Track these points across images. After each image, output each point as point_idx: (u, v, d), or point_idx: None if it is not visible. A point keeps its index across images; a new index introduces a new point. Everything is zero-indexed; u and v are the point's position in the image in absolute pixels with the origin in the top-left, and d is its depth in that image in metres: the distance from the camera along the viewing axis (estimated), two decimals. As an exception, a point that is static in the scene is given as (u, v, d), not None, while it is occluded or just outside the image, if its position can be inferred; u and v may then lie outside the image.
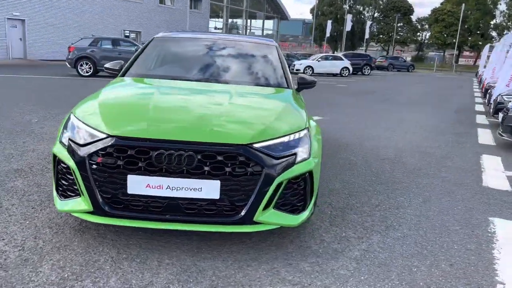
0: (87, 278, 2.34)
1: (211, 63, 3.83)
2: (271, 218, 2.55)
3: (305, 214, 2.72)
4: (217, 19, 44.87)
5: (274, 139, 2.60)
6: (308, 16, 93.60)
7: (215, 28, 44.90)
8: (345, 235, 3.13)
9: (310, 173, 2.69)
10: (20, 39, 24.67)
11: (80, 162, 2.42)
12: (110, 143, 2.41)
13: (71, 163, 2.46)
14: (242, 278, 2.44)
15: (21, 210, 3.19)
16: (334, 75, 27.88)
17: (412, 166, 5.36)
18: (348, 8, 62.56)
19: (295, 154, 2.62)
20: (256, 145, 2.50)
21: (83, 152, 2.45)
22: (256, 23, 51.52)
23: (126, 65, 3.80)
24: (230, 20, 46.39)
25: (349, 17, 52.30)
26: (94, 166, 2.39)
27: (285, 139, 2.64)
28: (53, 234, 2.83)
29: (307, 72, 26.16)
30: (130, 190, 2.41)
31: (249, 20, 48.70)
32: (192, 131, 2.50)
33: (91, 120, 2.58)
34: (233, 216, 2.48)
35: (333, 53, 48.64)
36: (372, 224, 3.39)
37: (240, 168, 2.44)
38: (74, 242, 2.72)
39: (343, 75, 27.87)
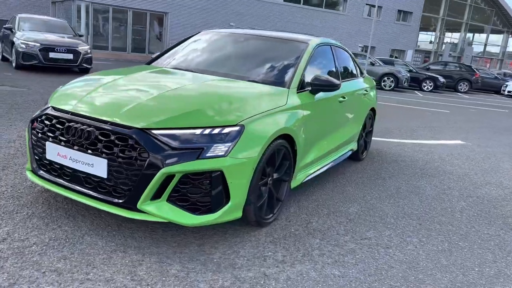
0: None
1: (222, 57, 3.87)
2: (160, 210, 2.46)
3: (210, 217, 2.53)
4: (428, 32, 41.88)
5: (179, 129, 2.49)
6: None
7: (430, 42, 41.97)
8: None
9: (221, 172, 2.46)
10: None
11: (28, 127, 2.84)
12: (44, 112, 2.75)
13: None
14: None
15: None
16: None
17: None
18: None
19: (201, 148, 2.44)
20: (154, 131, 2.45)
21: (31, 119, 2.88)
22: (479, 37, 45.93)
23: (158, 54, 4.12)
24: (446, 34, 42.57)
25: None
26: (32, 131, 2.75)
27: (197, 131, 2.50)
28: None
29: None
30: (48, 156, 2.69)
31: (469, 34, 43.75)
32: (104, 110, 2.61)
33: (53, 94, 2.99)
34: (118, 198, 2.49)
35: None
36: None
37: (128, 151, 2.43)
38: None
39: None
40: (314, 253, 2.75)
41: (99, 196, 2.57)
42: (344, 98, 4.19)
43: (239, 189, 2.64)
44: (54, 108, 2.81)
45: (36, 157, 2.84)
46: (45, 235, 2.55)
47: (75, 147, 2.59)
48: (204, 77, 3.42)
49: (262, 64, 3.70)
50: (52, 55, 10.61)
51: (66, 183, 2.69)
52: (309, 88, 3.53)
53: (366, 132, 5.46)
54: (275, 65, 3.66)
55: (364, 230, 3.21)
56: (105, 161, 2.49)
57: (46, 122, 2.77)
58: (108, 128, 2.52)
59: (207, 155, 2.50)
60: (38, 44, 10.50)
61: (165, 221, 2.50)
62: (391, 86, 18.87)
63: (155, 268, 2.35)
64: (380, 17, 33.40)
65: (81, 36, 12.65)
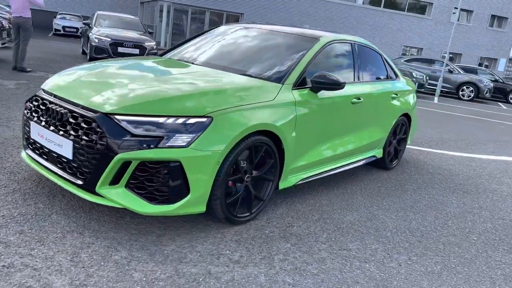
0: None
1: (227, 51, 3.80)
2: (118, 196, 2.47)
3: (168, 207, 2.50)
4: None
5: (142, 116, 2.48)
6: None
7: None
8: None
9: (180, 163, 2.43)
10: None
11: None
12: (35, 93, 2.91)
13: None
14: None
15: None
16: None
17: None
18: None
19: (161, 137, 2.42)
20: (118, 117, 2.47)
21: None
22: None
23: (173, 47, 4.19)
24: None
25: None
26: (24, 111, 2.92)
27: (160, 119, 2.48)
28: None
29: None
30: (31, 135, 2.84)
31: None
32: (80, 94, 2.68)
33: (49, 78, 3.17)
34: (80, 180, 2.55)
35: None
36: None
37: (91, 134, 2.48)
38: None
39: None
40: (276, 257, 2.58)
41: (65, 176, 2.64)
42: (359, 99, 3.91)
43: (200, 183, 2.56)
44: (43, 90, 2.95)
45: (26, 136, 3.00)
46: (16, 210, 2.68)
47: (51, 128, 2.69)
48: (198, 68, 3.39)
49: (265, 59, 3.58)
50: (120, 49, 11.28)
51: (44, 162, 2.81)
52: (310, 86, 3.34)
53: (398, 140, 5.07)
54: (277, 60, 3.52)
55: (348, 240, 2.96)
56: (71, 143, 2.56)
57: (34, 103, 2.92)
58: (77, 111, 2.58)
59: (167, 144, 2.46)
60: (109, 39, 11.22)
61: (121, 207, 2.50)
62: (470, 96, 17.46)
63: (101, 252, 2.35)
64: (470, 22, 31.09)
65: (150, 33, 13.31)
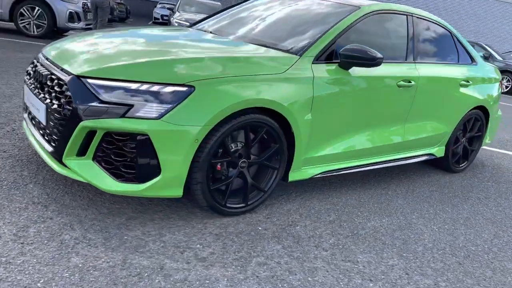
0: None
1: (253, 21, 3.35)
2: (83, 169, 2.22)
3: (136, 187, 2.19)
4: None
5: (115, 81, 2.19)
6: None
7: None
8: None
9: (149, 138, 2.11)
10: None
11: None
12: (34, 58, 2.78)
13: None
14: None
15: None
16: None
17: None
18: None
19: (131, 105, 2.12)
20: (89, 80, 2.21)
21: None
22: None
23: (203, 18, 3.87)
24: None
25: None
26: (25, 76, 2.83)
27: (133, 85, 2.17)
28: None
29: None
30: (24, 99, 2.71)
31: None
32: (65, 57, 2.47)
33: None
34: (51, 147, 2.34)
35: None
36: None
37: (61, 98, 2.26)
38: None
39: None
40: (255, 260, 2.13)
41: (41, 142, 2.45)
42: (409, 82, 3.23)
43: (173, 162, 2.19)
44: (42, 54, 2.80)
45: (24, 101, 2.89)
46: (-2, 175, 2.57)
47: (34, 91, 2.52)
48: (208, 37, 3.02)
49: (290, 29, 3.07)
50: (199, 34, 11.37)
51: (32, 128, 2.66)
52: (338, 61, 2.78)
53: (470, 138, 4.20)
54: (304, 30, 2.99)
55: (360, 251, 2.39)
56: (44, 106, 2.35)
57: (31, 65, 2.78)
58: (56, 73, 2.36)
59: (136, 114, 2.13)
60: (188, 24, 11.35)
61: (85, 181, 2.23)
62: None
63: (53, 229, 2.11)
64: None
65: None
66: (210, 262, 2.05)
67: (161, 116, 2.14)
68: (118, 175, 2.22)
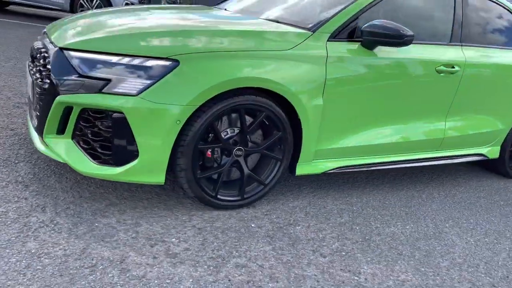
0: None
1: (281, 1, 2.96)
2: (60, 148, 2.07)
3: (112, 171, 2.01)
4: None
5: (95, 53, 2.02)
6: None
7: None
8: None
9: (125, 117, 1.92)
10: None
11: None
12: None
13: None
14: None
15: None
16: None
17: None
18: None
19: (109, 80, 1.94)
20: (71, 53, 2.05)
21: None
22: None
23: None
24: None
25: None
26: None
27: (113, 58, 1.99)
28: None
29: None
30: (26, 75, 2.64)
31: None
32: (60, 32, 2.33)
33: None
34: (36, 122, 2.22)
35: None
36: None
37: (43, 71, 2.13)
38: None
39: None
40: (233, 261, 1.85)
41: (29, 119, 2.35)
42: (452, 68, 2.75)
43: (152, 145, 1.97)
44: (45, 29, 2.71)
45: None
46: (-7, 152, 2.50)
47: (28, 65, 2.43)
48: (217, 13, 2.76)
49: (309, 3, 2.72)
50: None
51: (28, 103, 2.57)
52: (361, 39, 2.41)
53: (533, 138, 3.57)
54: (325, 4, 2.63)
55: (366, 260, 2.02)
56: (31, 80, 2.24)
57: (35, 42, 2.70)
58: (48, 46, 2.24)
59: (114, 89, 1.93)
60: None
61: (63, 162, 2.07)
62: None
63: (22, 211, 1.97)
64: None
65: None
66: (181, 259, 1.80)
67: (139, 92, 1.92)
68: (95, 157, 2.04)
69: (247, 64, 2.08)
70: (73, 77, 1.98)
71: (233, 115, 2.21)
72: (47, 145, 2.11)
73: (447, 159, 3.05)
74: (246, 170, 2.25)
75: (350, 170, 2.59)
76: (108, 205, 2.14)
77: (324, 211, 2.43)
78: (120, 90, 1.93)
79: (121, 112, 1.92)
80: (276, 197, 2.50)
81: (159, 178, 2.04)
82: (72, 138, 2.06)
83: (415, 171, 3.30)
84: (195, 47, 2.02)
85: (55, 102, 1.99)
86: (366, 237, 2.22)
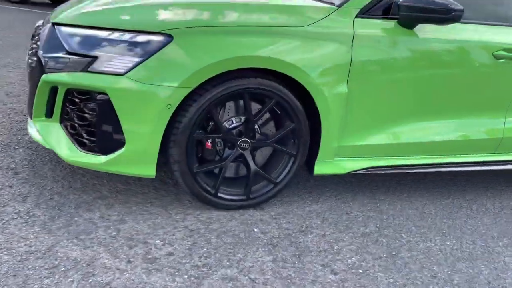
0: None
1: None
2: (47, 132, 1.89)
3: (97, 159, 1.80)
4: None
5: (84, 28, 1.82)
6: None
7: None
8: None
9: (109, 98, 1.71)
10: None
11: None
12: None
13: None
14: None
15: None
16: None
17: None
18: None
19: (95, 57, 1.74)
20: (62, 28, 1.87)
21: None
22: None
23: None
24: None
25: None
26: None
27: (102, 33, 1.78)
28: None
29: None
30: None
31: None
32: (60, 10, 2.16)
33: None
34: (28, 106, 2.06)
35: None
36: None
37: (34, 48, 1.97)
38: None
39: None
40: (221, 272, 1.55)
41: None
42: (514, 54, 2.26)
43: (140, 132, 1.73)
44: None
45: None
46: (-4, 137, 2.39)
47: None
48: None
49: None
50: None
51: None
52: (397, 16, 2.02)
53: None
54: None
55: (387, 282, 1.64)
56: (27, 59, 2.09)
57: None
58: (43, 25, 2.08)
59: (100, 68, 1.72)
60: None
61: (49, 147, 1.88)
62: None
63: (1, 199, 1.80)
64: None
65: None
66: (159, 265, 1.54)
67: (126, 71, 1.69)
68: (80, 143, 1.83)
69: (253, 42, 1.77)
70: (60, 54, 1.78)
71: (241, 101, 1.92)
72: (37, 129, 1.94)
73: (506, 164, 2.55)
74: (252, 166, 1.95)
75: (383, 171, 2.20)
76: (97, 198, 1.92)
77: (347, 218, 2.07)
78: (107, 69, 1.71)
79: (106, 94, 1.70)
80: (291, 198, 2.17)
81: (149, 170, 1.79)
82: (60, 122, 1.87)
83: (467, 177, 2.82)
84: (192, 20, 1.75)
85: (40, 81, 1.80)
86: (393, 253, 1.84)
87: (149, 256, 1.58)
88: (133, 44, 1.71)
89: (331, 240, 1.85)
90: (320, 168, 2.07)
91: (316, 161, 2.06)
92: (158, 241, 1.68)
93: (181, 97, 1.70)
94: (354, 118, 2.04)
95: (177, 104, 1.71)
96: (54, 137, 1.86)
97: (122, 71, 1.69)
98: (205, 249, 1.66)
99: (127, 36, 1.73)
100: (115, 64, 1.71)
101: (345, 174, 2.15)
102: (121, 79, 1.68)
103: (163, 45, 1.70)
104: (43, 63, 1.80)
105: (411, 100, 2.12)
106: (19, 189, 1.90)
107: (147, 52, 1.70)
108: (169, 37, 1.71)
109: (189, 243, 1.69)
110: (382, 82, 2.01)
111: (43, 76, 1.79)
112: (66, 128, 1.86)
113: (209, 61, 1.69)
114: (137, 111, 1.70)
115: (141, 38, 1.72)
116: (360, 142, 2.11)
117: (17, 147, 2.29)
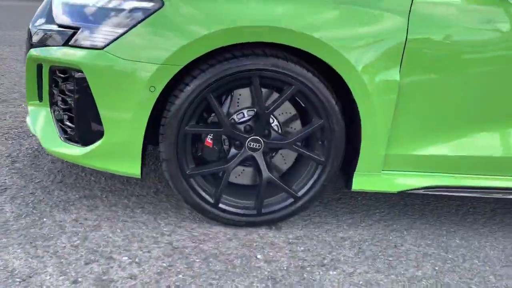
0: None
1: None
2: (34, 116, 1.68)
3: (75, 151, 1.53)
4: None
5: None
6: None
7: None
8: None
9: (85, 77, 1.45)
10: None
11: None
12: None
13: None
14: None
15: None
16: None
17: None
18: None
19: (77, 29, 1.48)
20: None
21: None
22: None
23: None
24: None
25: None
26: None
27: (90, 1, 1.51)
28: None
29: None
30: None
31: None
32: None
33: None
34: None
35: None
36: None
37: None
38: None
39: None
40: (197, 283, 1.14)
41: None
42: None
43: (119, 119, 1.40)
44: None
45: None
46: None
47: None
48: None
49: None
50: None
51: None
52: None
53: None
54: None
55: None
56: None
57: None
58: None
59: (81, 42, 1.43)
60: None
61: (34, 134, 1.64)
62: None
63: (-20, 189, 1.60)
64: None
65: None
66: (138, 274, 1.18)
67: (106, 45, 1.37)
68: (64, 130, 1.56)
69: (264, 9, 1.35)
70: (45, 26, 1.54)
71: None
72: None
73: None
74: (265, 173, 1.51)
75: (449, 193, 1.61)
76: (83, 197, 1.64)
77: (393, 252, 1.52)
78: (88, 42, 1.41)
79: (82, 71, 1.40)
80: (323, 219, 1.68)
81: (132, 167, 1.46)
82: (51, 106, 1.62)
83: None
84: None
85: (27, 56, 1.58)
86: (413, 281, 1.27)
87: (104, 278, 1.23)
88: (119, 12, 1.40)
89: (361, 283, 1.34)
90: (361, 182, 1.56)
91: (355, 172, 1.55)
92: (126, 257, 1.32)
93: (167, 77, 1.34)
94: (410, 118, 1.50)
95: (163, 87, 1.35)
96: (40, 123, 1.62)
97: (102, 44, 1.38)
98: (180, 276, 1.27)
99: (114, 3, 1.42)
100: (97, 36, 1.41)
101: (395, 193, 1.61)
102: (98, 54, 1.37)
103: (152, 12, 1.35)
104: (30, 38, 1.57)
105: (496, 98, 1.51)
106: (5, 179, 1.69)
107: (135, 22, 1.37)
108: (160, 4, 1.35)
109: (163, 265, 1.31)
110: (453, 68, 1.45)
111: (29, 52, 1.55)
112: (54, 113, 1.61)
113: (201, 32, 1.31)
114: (115, 93, 1.38)
115: (129, 4, 1.39)
116: (418, 151, 1.55)
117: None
